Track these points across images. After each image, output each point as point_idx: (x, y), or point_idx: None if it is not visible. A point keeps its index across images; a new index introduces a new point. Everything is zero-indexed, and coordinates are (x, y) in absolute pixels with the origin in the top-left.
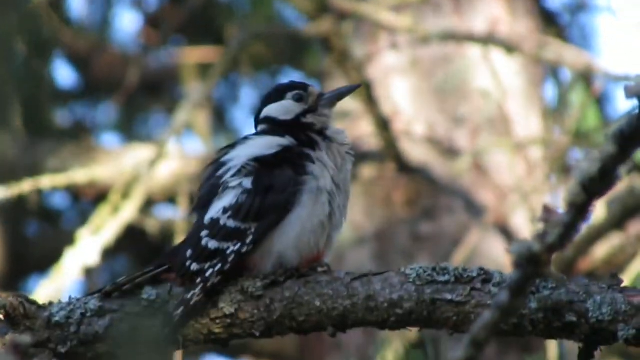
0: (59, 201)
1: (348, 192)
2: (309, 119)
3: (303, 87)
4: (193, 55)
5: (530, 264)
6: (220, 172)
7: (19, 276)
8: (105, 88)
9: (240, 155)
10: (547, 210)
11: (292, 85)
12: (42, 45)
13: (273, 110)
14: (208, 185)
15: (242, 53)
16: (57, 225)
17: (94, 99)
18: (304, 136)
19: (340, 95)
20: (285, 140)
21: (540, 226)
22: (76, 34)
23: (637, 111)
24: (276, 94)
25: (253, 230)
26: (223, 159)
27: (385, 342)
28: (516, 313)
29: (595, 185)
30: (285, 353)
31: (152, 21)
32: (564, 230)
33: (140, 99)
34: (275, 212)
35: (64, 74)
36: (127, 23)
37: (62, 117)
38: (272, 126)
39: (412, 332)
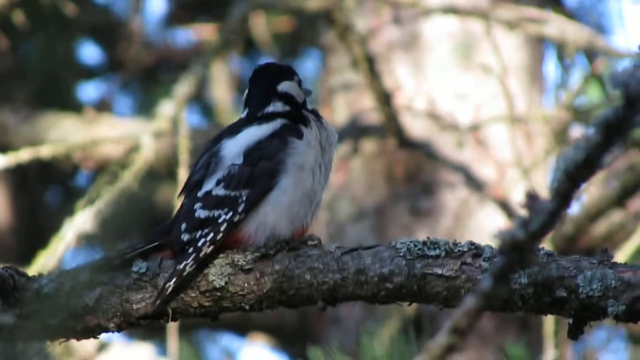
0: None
1: (328, 174)
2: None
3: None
4: (204, 32)
5: (514, 251)
6: (213, 160)
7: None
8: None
9: (235, 147)
10: (531, 197)
11: (295, 71)
12: (66, 24)
13: (292, 88)
14: (202, 168)
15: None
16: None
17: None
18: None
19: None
20: (278, 124)
21: (524, 213)
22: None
23: (622, 101)
24: (288, 73)
25: (244, 197)
26: (217, 149)
27: (384, 318)
28: (499, 299)
29: (580, 173)
30: (285, 328)
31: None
32: (548, 217)
33: (165, 77)
34: (265, 178)
35: (89, 52)
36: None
37: (84, 94)
38: (288, 105)
39: (411, 308)
